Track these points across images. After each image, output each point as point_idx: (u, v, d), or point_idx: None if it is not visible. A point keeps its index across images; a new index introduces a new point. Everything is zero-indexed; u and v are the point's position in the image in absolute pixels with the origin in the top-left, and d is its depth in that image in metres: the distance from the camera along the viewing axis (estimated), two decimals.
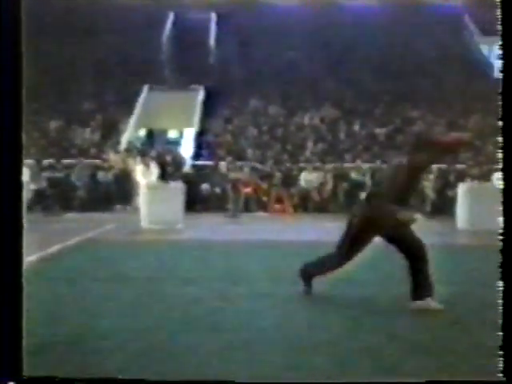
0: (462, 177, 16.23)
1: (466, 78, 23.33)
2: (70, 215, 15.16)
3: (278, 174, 17.84)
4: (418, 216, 7.99)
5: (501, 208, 2.75)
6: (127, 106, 22.15)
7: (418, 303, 5.26)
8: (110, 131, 20.97)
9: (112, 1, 27.72)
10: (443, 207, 15.90)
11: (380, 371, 3.70)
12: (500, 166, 2.76)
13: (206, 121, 21.99)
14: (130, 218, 13.62)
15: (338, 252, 5.59)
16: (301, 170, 18.08)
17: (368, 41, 25.19)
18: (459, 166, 17.72)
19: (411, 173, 5.36)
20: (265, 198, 17.21)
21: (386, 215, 5.34)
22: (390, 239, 5.46)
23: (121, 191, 16.84)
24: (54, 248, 8.76)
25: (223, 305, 5.48)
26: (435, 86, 22.89)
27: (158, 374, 3.58)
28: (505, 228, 2.73)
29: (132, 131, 21.58)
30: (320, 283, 5.80)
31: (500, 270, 2.76)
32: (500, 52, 2.73)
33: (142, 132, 23.00)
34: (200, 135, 21.36)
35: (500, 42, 2.74)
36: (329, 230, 7.64)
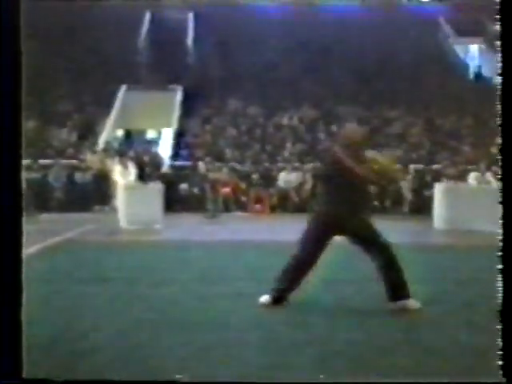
0: (438, 177, 16.37)
1: (442, 78, 23.56)
2: (47, 216, 15.02)
3: (256, 175, 17.86)
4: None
5: (500, 208, 2.75)
6: (105, 106, 21.97)
7: (398, 303, 5.24)
8: (88, 131, 20.79)
9: (88, 0, 27.52)
10: (420, 207, 16.06)
11: (359, 370, 3.73)
12: (500, 165, 2.78)
13: (184, 121, 21.91)
14: (108, 218, 13.54)
15: (301, 256, 5.46)
16: (280, 170, 18.12)
17: (346, 42, 25.33)
18: (435, 167, 17.91)
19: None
20: (244, 198, 17.23)
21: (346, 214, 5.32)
22: (354, 240, 5.41)
23: (99, 192, 16.72)
24: (32, 249, 8.68)
25: (202, 305, 5.48)
26: (412, 87, 23.08)
27: (136, 375, 3.58)
28: (504, 228, 2.74)
29: (110, 131, 21.41)
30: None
31: (500, 269, 2.78)
32: (500, 52, 2.75)
33: (120, 132, 22.86)
34: (178, 135, 21.27)
35: (500, 42, 2.75)
36: None
